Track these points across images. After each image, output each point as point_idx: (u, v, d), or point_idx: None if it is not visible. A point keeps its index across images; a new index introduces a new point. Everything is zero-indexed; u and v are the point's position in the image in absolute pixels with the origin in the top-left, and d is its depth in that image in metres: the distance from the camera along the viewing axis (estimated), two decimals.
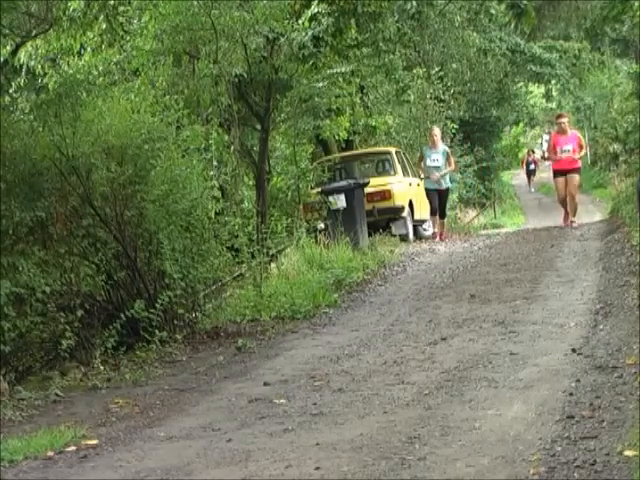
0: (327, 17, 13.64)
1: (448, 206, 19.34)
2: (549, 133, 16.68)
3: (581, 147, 15.73)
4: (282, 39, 13.37)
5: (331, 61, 14.86)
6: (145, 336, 8.03)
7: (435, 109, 24.32)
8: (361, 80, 19.13)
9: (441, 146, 16.33)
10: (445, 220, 16.93)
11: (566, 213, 15.85)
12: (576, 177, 15.55)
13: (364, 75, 18.58)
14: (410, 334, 7.69)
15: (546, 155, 39.62)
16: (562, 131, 15.58)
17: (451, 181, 16.78)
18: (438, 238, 16.01)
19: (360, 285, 10.98)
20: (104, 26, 14.76)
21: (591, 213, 28.14)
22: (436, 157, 15.93)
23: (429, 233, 17.49)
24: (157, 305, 8.09)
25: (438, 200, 16.10)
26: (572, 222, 15.49)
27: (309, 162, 17.47)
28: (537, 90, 41.59)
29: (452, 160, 16.63)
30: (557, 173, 15.80)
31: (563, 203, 15.86)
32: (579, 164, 15.79)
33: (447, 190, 16.57)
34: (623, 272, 9.46)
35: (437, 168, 15.84)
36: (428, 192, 16.17)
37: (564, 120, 15.83)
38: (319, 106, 15.72)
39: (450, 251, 13.92)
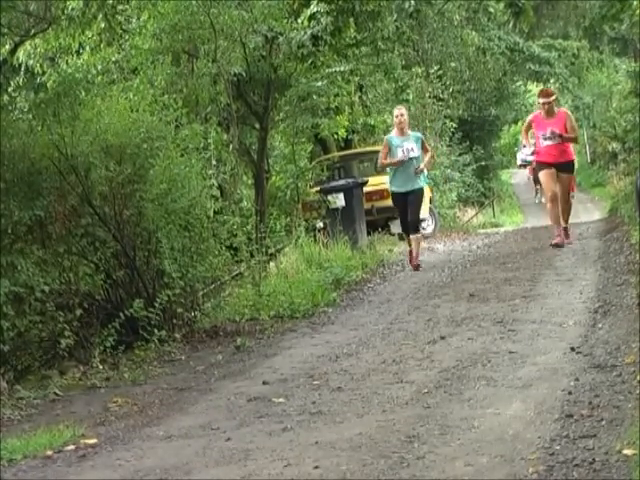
0: (326, 16, 13.65)
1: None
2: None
3: (573, 129, 11.83)
4: (281, 38, 13.38)
5: (330, 60, 14.88)
6: (144, 335, 8.03)
7: (434, 108, 24.35)
8: (360, 79, 19.17)
9: (411, 132, 12.23)
10: (420, 234, 12.37)
11: (558, 227, 11.88)
12: (569, 177, 12.07)
13: (363, 74, 18.61)
14: (409, 333, 7.69)
15: (519, 159, 36.37)
16: (548, 113, 11.73)
17: (426, 179, 12.83)
18: (409, 262, 11.99)
19: (359, 284, 10.99)
20: (103, 25, 14.79)
21: (590, 212, 28.17)
22: (409, 146, 11.73)
23: (428, 232, 17.45)
24: (156, 304, 8.09)
25: (409, 206, 11.73)
26: (565, 229, 11.99)
27: (308, 161, 17.51)
28: (536, 89, 41.56)
29: (429, 147, 12.55)
30: (542, 165, 11.80)
31: (553, 207, 11.73)
32: (572, 155, 12.12)
33: (421, 192, 11.94)
34: (622, 271, 9.45)
35: (416, 160, 11.72)
36: (395, 197, 11.94)
37: (550, 100, 11.79)
38: (318, 105, 15.73)
39: (449, 250, 13.93)
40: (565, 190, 11.85)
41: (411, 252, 11.87)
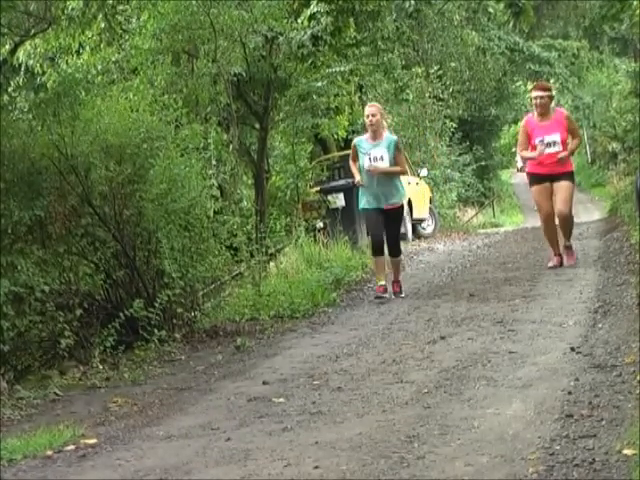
0: (326, 16, 13.66)
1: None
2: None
3: (573, 134, 9.91)
4: (281, 38, 13.39)
5: (330, 60, 14.88)
6: (144, 335, 8.03)
7: (434, 108, 24.38)
8: (360, 79, 19.17)
9: (386, 136, 9.78)
10: (401, 257, 10.21)
11: (556, 250, 10.17)
12: (568, 185, 9.82)
13: (363, 74, 18.61)
14: (409, 333, 7.69)
15: (518, 161, 34.53)
16: (542, 113, 9.73)
17: (403, 190, 10.08)
18: (379, 291, 9.67)
19: (359, 284, 10.99)
20: (103, 25, 14.80)
21: (590, 212, 28.19)
22: (378, 153, 9.60)
23: (428, 232, 17.45)
24: (156, 304, 8.09)
25: (385, 226, 9.69)
26: (567, 247, 10.20)
27: (308, 161, 17.50)
28: None
29: (403, 158, 10.03)
30: (536, 178, 9.97)
31: (548, 229, 10.11)
32: (571, 165, 10.06)
33: (398, 210, 9.90)
34: (622, 271, 9.46)
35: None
36: (367, 213, 9.87)
37: (542, 94, 9.73)
38: (318, 105, 15.74)
39: (449, 250, 13.93)
40: (565, 201, 9.85)
41: (382, 287, 9.67)
